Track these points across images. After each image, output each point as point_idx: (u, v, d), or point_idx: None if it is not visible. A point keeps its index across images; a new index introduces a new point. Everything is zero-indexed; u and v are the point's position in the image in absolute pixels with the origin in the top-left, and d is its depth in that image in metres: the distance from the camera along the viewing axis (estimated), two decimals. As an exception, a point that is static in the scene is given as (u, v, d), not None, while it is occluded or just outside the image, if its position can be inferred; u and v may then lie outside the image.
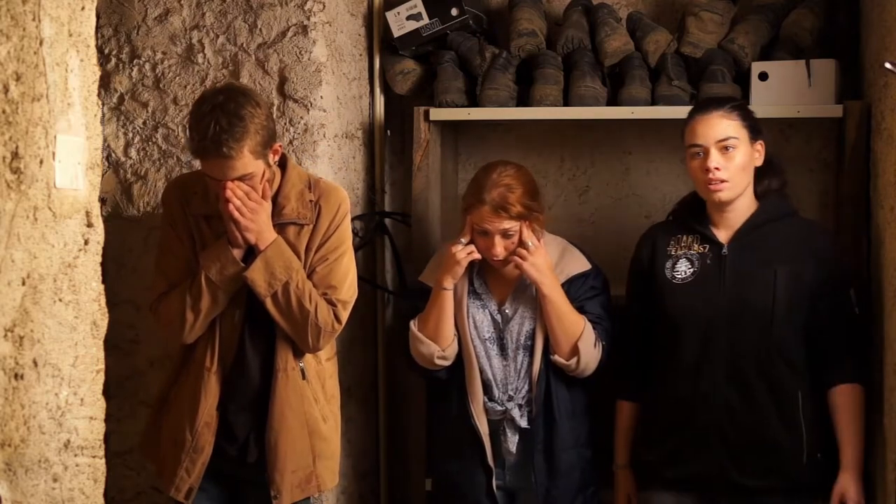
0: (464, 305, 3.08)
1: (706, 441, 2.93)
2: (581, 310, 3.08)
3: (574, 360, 3.02)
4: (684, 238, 3.02)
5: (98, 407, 2.04)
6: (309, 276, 2.88)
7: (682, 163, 3.74)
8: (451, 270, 3.04)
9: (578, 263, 3.13)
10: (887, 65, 2.64)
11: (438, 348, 3.07)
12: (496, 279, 3.14)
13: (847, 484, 2.90)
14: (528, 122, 3.73)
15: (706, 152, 2.92)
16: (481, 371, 3.05)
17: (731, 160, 2.91)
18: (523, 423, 3.03)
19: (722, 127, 2.92)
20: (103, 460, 2.06)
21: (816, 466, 2.92)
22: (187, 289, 2.84)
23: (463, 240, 3.05)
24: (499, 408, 3.04)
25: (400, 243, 3.77)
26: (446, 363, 3.08)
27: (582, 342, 3.02)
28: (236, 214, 2.75)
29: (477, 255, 3.04)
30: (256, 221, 2.78)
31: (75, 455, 1.98)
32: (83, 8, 2.01)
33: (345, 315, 2.91)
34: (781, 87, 3.38)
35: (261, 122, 2.73)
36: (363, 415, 3.63)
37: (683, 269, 2.97)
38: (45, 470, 1.92)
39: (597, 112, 3.50)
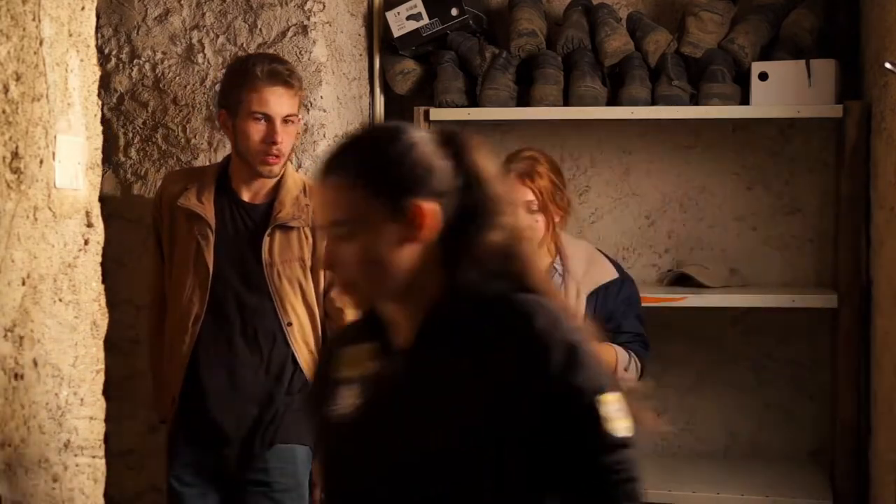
0: None
1: None
2: (619, 329, 3.01)
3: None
4: None
5: (98, 407, 2.04)
6: (326, 290, 2.95)
7: (683, 163, 3.76)
8: None
9: (605, 272, 3.05)
10: (887, 65, 2.64)
11: None
12: None
13: None
14: (528, 122, 3.73)
15: None
16: None
17: None
18: None
19: None
20: (103, 460, 2.06)
21: None
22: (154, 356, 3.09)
23: None
24: None
25: (400, 243, 3.77)
26: None
27: (617, 374, 2.97)
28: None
29: None
30: None
31: (75, 455, 1.98)
32: (83, 8, 2.01)
33: None
34: (781, 87, 3.38)
35: (302, 79, 2.98)
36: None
37: None
38: (45, 470, 1.92)
39: (597, 112, 3.50)
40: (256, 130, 2.85)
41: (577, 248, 3.08)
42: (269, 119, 2.85)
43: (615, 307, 3.02)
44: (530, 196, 2.96)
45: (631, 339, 3.02)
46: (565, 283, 3.02)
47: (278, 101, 2.85)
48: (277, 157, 2.87)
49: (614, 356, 2.97)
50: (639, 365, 3.03)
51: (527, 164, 2.99)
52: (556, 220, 3.01)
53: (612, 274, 3.05)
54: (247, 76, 2.85)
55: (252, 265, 2.90)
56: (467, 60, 3.61)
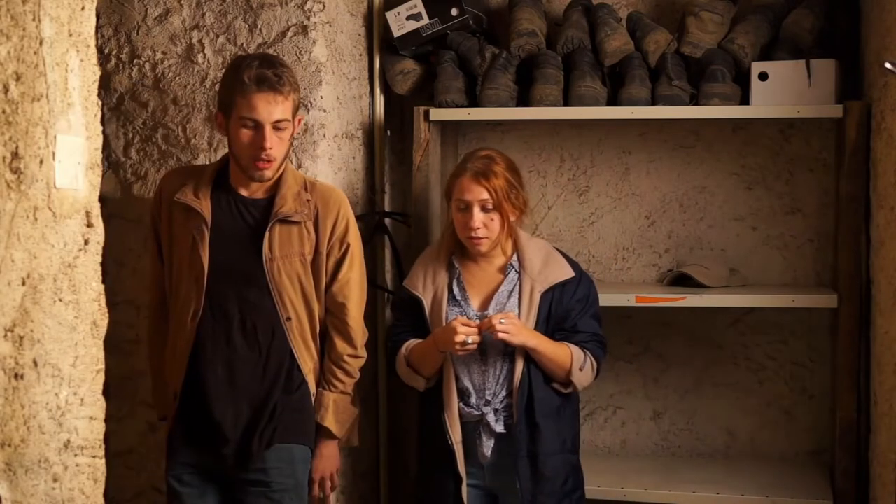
0: (442, 312, 3.05)
1: None
2: (574, 328, 3.03)
3: (571, 388, 3.03)
4: None
5: (98, 407, 2.04)
6: (328, 286, 2.97)
7: (683, 163, 3.76)
8: (449, 347, 2.97)
9: (562, 271, 3.07)
10: (887, 65, 2.64)
11: (426, 381, 3.09)
12: (474, 285, 3.09)
13: None
14: (528, 122, 3.73)
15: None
16: (458, 378, 3.02)
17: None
18: (499, 428, 3.00)
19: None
20: (103, 460, 2.06)
21: None
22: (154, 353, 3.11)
23: (470, 338, 2.94)
24: (475, 412, 3.01)
25: (400, 243, 3.77)
26: (430, 385, 3.09)
27: (573, 374, 3.00)
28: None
29: (472, 349, 2.95)
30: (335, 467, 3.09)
31: (75, 455, 1.98)
32: (83, 8, 2.01)
33: (359, 334, 3.04)
34: (781, 87, 3.38)
35: (297, 82, 2.92)
36: (363, 415, 3.63)
37: None
38: (45, 470, 1.92)
39: (597, 112, 3.50)
40: (246, 136, 2.84)
41: (534, 246, 3.11)
42: (257, 125, 2.82)
43: (571, 306, 3.04)
44: (485, 195, 2.99)
45: (587, 339, 3.04)
46: (521, 281, 3.05)
47: (266, 108, 2.81)
48: (268, 162, 2.85)
49: (569, 356, 3.00)
50: (595, 365, 3.05)
51: (483, 164, 3.03)
52: (512, 218, 3.05)
53: (569, 273, 3.07)
54: (237, 80, 2.83)
55: (252, 260, 2.90)
56: (467, 60, 3.61)
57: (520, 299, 3.04)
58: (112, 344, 2.27)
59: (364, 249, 3.14)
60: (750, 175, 3.72)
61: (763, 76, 3.39)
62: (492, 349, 3.01)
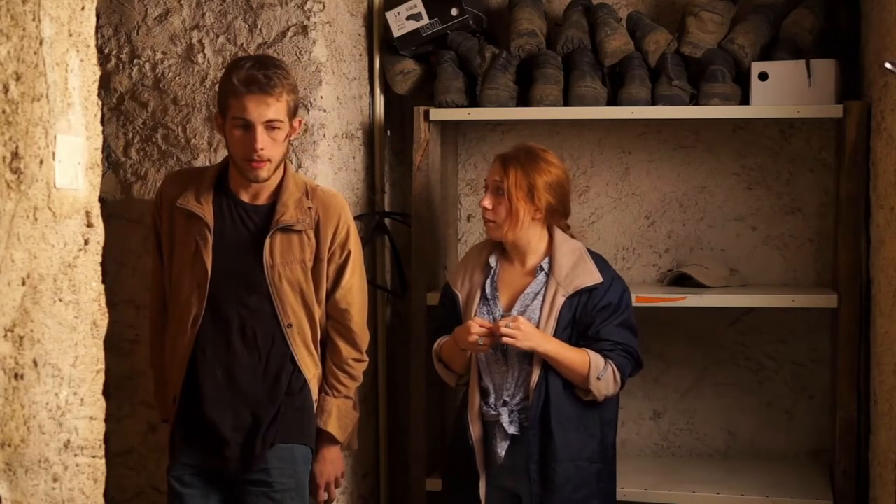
0: (472, 310, 3.03)
1: None
2: (597, 336, 2.95)
3: (591, 395, 2.95)
4: None
5: (98, 407, 2.04)
6: (329, 293, 2.97)
7: (683, 163, 3.76)
8: (465, 345, 2.97)
9: (589, 276, 2.99)
10: (887, 65, 2.64)
11: (457, 378, 3.13)
12: (507, 283, 3.06)
13: None
14: (528, 122, 3.73)
15: None
16: (481, 377, 3.02)
17: None
18: (512, 430, 2.98)
19: None
20: (103, 460, 2.06)
21: None
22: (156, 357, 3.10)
23: (481, 339, 2.92)
24: (492, 412, 3.00)
25: (400, 243, 3.77)
26: (462, 382, 3.13)
27: (590, 382, 2.91)
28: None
29: (484, 349, 2.95)
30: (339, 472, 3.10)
31: (75, 455, 1.98)
32: (83, 8, 2.01)
33: (363, 339, 3.05)
34: (781, 87, 3.38)
35: (293, 84, 2.90)
36: (363, 415, 3.63)
37: None
38: (45, 470, 1.92)
39: (597, 112, 3.51)
40: (238, 136, 2.84)
41: (567, 248, 3.04)
42: (249, 125, 2.82)
43: (596, 313, 2.97)
44: (498, 177, 3.00)
45: (610, 348, 2.95)
46: (547, 284, 3.01)
47: (257, 109, 2.81)
48: (260, 162, 2.84)
49: (587, 363, 2.92)
50: (617, 376, 2.95)
51: (522, 153, 3.02)
52: (528, 216, 2.98)
53: (595, 279, 2.99)
54: (229, 82, 2.85)
55: (253, 266, 2.90)
56: (467, 60, 3.61)
57: (542, 302, 2.99)
58: (112, 344, 2.27)
59: (364, 250, 3.14)
60: (750, 175, 3.72)
61: (763, 76, 3.39)
62: (512, 350, 2.97)
